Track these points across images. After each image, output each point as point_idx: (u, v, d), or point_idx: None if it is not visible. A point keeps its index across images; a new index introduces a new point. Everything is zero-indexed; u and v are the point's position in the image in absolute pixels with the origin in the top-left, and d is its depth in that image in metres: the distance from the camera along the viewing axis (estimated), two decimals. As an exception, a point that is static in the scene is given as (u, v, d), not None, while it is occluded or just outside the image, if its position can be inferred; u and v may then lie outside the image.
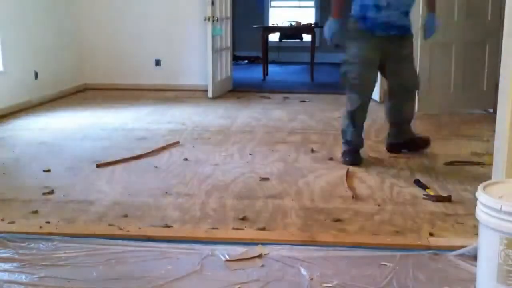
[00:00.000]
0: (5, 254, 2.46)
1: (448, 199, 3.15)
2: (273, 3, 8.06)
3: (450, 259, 2.40)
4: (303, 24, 9.49)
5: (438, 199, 3.16)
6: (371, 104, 4.06)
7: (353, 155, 3.93)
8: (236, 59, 9.63)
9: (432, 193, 3.24)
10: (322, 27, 4.67)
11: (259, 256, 2.43)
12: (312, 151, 4.27)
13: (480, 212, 1.98)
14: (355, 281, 2.23)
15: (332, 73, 8.22)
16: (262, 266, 2.35)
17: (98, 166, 3.83)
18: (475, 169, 3.76)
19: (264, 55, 8.70)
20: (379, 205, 3.11)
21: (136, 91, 7.22)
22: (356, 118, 3.92)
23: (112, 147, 4.41)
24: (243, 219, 2.90)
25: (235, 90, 7.36)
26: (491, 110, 5.55)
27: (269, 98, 6.87)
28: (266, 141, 4.62)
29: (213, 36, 6.68)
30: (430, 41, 5.55)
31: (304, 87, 7.93)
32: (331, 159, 4.05)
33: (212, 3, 6.61)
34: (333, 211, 3.01)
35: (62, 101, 6.59)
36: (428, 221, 2.87)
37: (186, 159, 4.02)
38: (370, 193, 3.31)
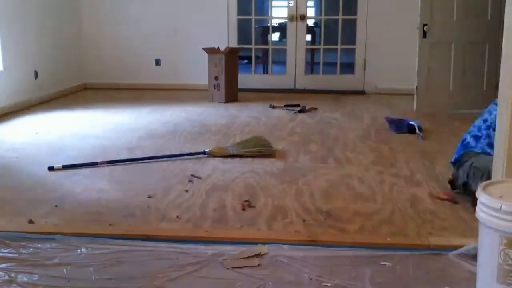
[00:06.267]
0: (5, 254, 2.46)
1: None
2: (274, 3, 8.06)
3: (450, 259, 2.41)
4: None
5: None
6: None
7: None
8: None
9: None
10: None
11: (259, 255, 2.43)
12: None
13: (480, 212, 1.98)
14: (355, 281, 2.23)
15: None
16: (261, 266, 2.35)
17: (98, 165, 3.83)
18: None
19: (264, 55, 8.69)
20: (379, 205, 3.11)
21: (137, 90, 7.22)
22: None
23: (112, 147, 4.40)
24: (243, 218, 2.90)
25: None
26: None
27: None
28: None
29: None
30: (430, 41, 5.57)
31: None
32: (331, 158, 4.05)
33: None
34: (333, 211, 3.01)
35: (62, 100, 6.58)
36: (428, 221, 2.87)
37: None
38: (370, 193, 3.31)
